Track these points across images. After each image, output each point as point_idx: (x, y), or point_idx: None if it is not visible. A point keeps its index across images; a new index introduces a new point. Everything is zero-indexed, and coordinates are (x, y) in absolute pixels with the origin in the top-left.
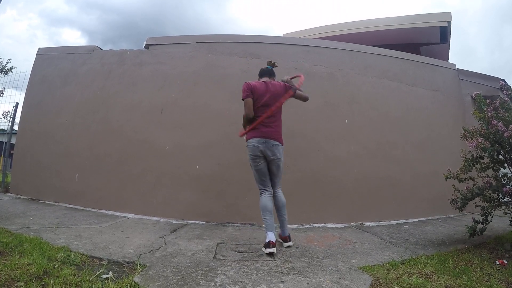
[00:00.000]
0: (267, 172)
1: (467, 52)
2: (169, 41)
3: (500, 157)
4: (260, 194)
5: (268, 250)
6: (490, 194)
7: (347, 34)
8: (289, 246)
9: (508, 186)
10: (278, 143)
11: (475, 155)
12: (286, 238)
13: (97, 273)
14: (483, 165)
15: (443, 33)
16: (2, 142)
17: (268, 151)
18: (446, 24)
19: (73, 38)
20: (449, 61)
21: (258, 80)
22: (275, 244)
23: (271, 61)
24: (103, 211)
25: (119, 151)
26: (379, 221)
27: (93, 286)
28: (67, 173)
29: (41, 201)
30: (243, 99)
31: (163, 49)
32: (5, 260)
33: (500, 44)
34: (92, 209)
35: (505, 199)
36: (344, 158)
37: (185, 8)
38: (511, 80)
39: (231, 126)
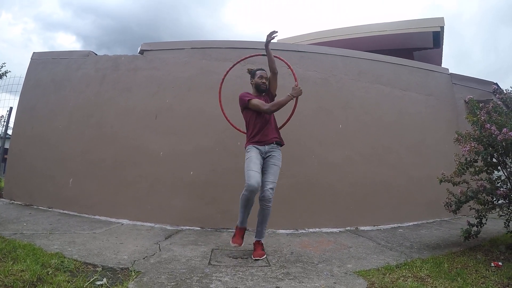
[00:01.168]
0: None
1: (463, 55)
2: (163, 47)
3: (494, 160)
4: None
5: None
6: (484, 197)
7: (341, 40)
8: None
9: (502, 189)
10: None
11: (468, 159)
12: None
13: (91, 280)
14: (477, 169)
15: (436, 38)
16: None
17: None
18: (439, 29)
19: (68, 42)
20: (445, 65)
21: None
22: None
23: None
24: (97, 217)
25: (113, 156)
26: (374, 226)
27: None
28: (61, 178)
29: (35, 207)
30: None
31: (158, 54)
32: None
33: (495, 46)
34: (86, 215)
35: (499, 202)
36: (339, 163)
37: (180, 13)
38: (506, 82)
39: (226, 132)
